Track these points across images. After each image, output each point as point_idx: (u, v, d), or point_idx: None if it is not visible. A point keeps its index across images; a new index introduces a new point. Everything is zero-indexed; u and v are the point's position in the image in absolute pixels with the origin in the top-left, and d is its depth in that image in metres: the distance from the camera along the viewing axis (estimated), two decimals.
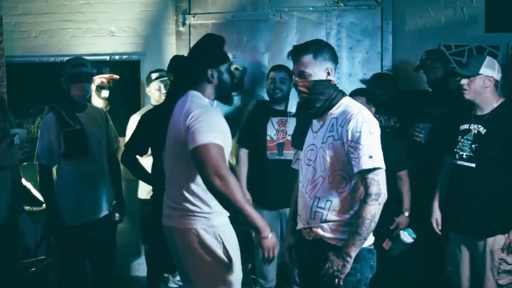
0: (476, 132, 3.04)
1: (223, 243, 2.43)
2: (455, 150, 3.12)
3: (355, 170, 2.25)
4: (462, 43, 4.37)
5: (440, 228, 3.27)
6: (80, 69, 3.39)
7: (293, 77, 2.45)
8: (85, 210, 3.43)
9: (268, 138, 3.73)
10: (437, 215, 3.28)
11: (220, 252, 2.42)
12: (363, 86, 4.38)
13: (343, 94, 2.44)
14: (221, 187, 2.21)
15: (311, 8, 4.55)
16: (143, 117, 3.46)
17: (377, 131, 2.30)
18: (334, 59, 2.41)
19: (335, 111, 2.39)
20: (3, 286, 3.34)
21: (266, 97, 4.09)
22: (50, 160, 3.36)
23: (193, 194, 2.39)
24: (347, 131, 2.27)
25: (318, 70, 2.35)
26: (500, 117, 3.00)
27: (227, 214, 2.48)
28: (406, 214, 3.62)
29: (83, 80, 3.39)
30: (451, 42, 4.36)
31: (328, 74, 2.37)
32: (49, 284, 4.13)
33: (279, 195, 3.59)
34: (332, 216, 2.34)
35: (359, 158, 2.23)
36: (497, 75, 3.04)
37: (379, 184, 2.23)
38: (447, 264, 3.48)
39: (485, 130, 3.01)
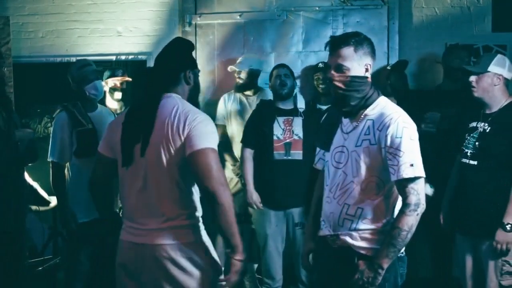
0: (481, 130, 3.02)
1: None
2: (462, 147, 3.10)
3: (393, 178, 2.11)
4: (469, 42, 4.35)
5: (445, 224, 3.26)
6: (87, 69, 3.48)
7: (329, 70, 2.23)
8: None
9: (274, 138, 3.69)
10: (444, 211, 3.26)
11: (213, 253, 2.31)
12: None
13: (378, 93, 2.27)
14: (224, 198, 2.09)
15: (317, 8, 4.55)
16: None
17: (417, 136, 2.16)
18: (373, 55, 2.24)
19: (371, 112, 2.22)
20: (10, 286, 3.36)
21: (269, 97, 4.07)
22: (62, 158, 3.40)
23: (187, 203, 2.24)
24: (386, 136, 2.12)
25: (357, 65, 2.18)
26: (506, 115, 2.96)
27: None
28: None
29: (94, 78, 3.48)
30: (458, 42, 4.35)
31: (367, 70, 2.21)
32: (56, 283, 4.14)
33: (286, 196, 3.58)
34: (363, 224, 2.19)
35: (399, 166, 2.08)
36: (508, 74, 2.99)
37: (418, 194, 2.09)
38: (455, 264, 3.46)
39: (490, 128, 2.99)
